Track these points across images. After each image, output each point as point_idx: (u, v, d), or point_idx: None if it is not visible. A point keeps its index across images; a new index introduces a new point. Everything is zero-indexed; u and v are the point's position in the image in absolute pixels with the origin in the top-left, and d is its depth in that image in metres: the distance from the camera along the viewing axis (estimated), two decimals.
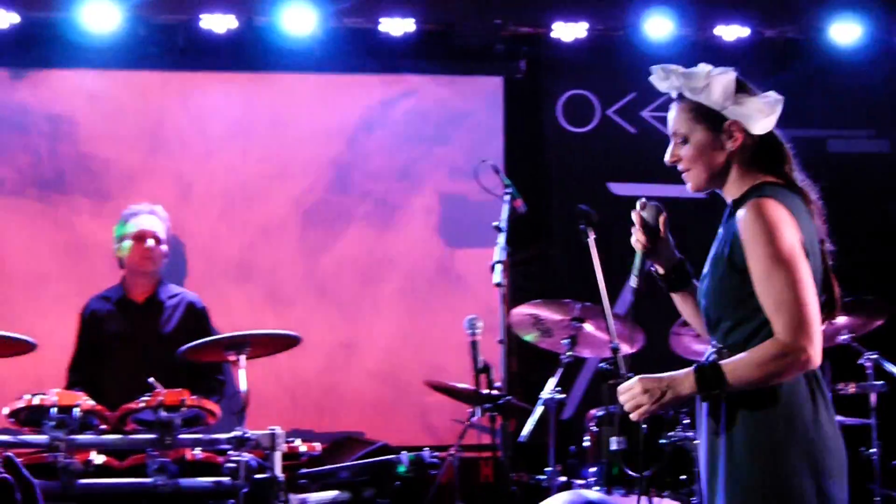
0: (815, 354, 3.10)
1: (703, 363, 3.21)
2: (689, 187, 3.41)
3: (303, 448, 5.55)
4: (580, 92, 7.98)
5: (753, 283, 3.16)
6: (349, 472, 5.67)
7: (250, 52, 7.62)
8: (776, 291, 3.12)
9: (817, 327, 3.12)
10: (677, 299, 3.57)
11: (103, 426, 5.31)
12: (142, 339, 6.07)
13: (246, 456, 5.14)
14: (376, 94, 7.89)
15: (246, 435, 5.13)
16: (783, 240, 3.14)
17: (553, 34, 7.70)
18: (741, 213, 3.20)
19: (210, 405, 5.34)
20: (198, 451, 5.31)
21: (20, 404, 5.19)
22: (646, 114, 7.88)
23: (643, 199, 3.53)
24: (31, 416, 5.19)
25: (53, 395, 5.16)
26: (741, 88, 3.36)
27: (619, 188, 7.82)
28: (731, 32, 7.70)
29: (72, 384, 5.99)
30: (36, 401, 5.14)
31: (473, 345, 5.28)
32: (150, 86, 7.74)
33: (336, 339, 7.70)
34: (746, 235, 3.17)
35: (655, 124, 7.85)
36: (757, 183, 3.30)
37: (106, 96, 7.68)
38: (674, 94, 3.42)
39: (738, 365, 3.14)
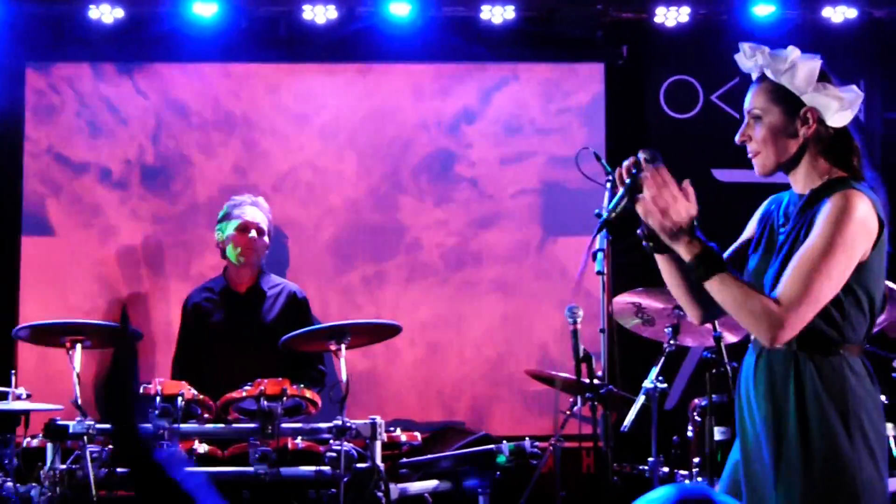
0: (787, 335, 3.13)
1: (711, 252, 3.22)
2: (756, 170, 3.40)
3: (403, 437, 5.57)
4: (683, 77, 7.86)
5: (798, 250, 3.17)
6: (450, 461, 5.66)
7: (351, 43, 7.64)
8: (806, 264, 3.12)
9: (807, 318, 3.13)
10: (662, 263, 3.53)
11: (206, 415, 5.36)
12: (243, 330, 6.11)
13: (346, 445, 5.16)
14: (476, 82, 7.86)
15: (346, 424, 5.15)
16: (845, 232, 3.13)
17: (655, 19, 7.60)
18: (827, 205, 3.18)
19: (310, 395, 5.37)
20: (299, 441, 5.34)
21: None
22: None
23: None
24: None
25: (157, 385, 5.23)
26: (824, 77, 3.33)
27: (724, 174, 7.70)
28: (839, 14, 7.52)
29: (176, 374, 6.06)
30: (140, 390, 5.22)
31: (574, 334, 5.23)
32: (253, 77, 7.80)
33: (436, 328, 7.69)
34: (821, 217, 3.16)
35: None
36: (839, 177, 3.28)
37: (209, 88, 7.75)
38: (756, 74, 3.40)
39: (735, 284, 3.18)
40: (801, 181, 3.35)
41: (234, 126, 7.74)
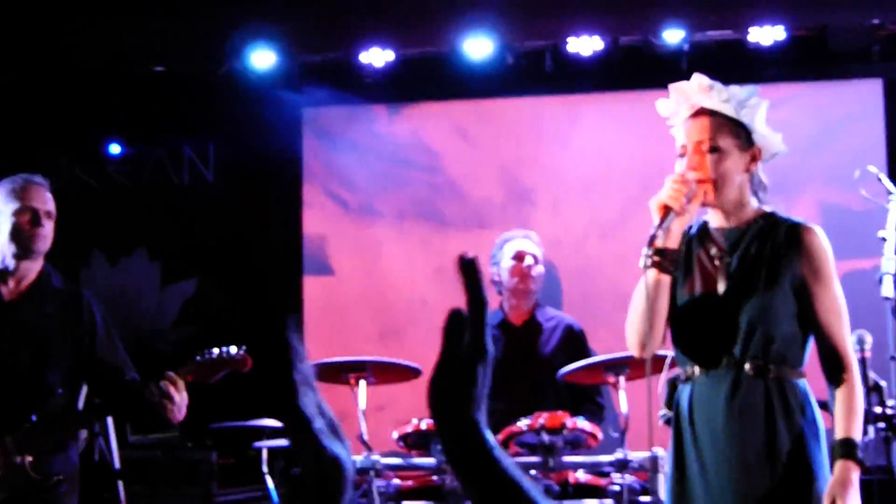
0: (855, 370, 3.60)
1: (837, 448, 3.49)
2: (701, 200, 3.55)
3: None
4: None
5: (821, 305, 3.54)
6: None
7: (617, 72, 7.61)
8: (844, 319, 3.56)
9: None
10: (655, 281, 3.62)
11: None
12: (522, 362, 6.13)
13: (629, 478, 5.10)
14: None
15: (627, 457, 5.09)
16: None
17: None
18: (812, 238, 3.55)
19: (590, 427, 5.33)
20: (580, 474, 5.31)
21: (408, 428, 5.35)
22: None
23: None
24: (418, 440, 5.35)
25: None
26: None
27: None
28: None
29: None
30: (423, 425, 5.29)
31: (862, 362, 5.03)
32: (521, 112, 7.86)
33: None
34: (819, 260, 3.53)
35: None
36: (772, 210, 3.58)
37: (477, 125, 7.86)
38: (700, 106, 3.63)
39: (854, 420, 3.48)
40: (731, 212, 3.56)
41: (502, 161, 7.81)
